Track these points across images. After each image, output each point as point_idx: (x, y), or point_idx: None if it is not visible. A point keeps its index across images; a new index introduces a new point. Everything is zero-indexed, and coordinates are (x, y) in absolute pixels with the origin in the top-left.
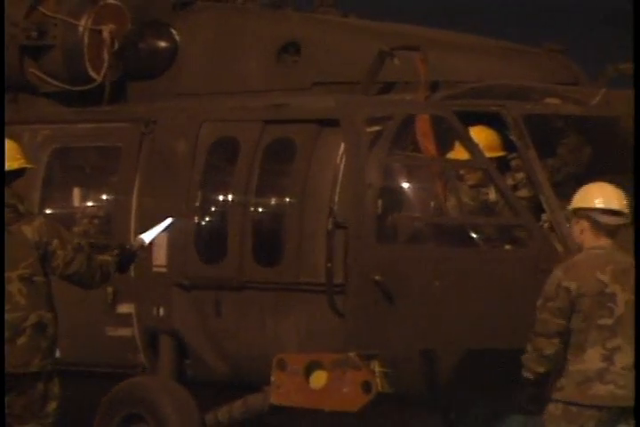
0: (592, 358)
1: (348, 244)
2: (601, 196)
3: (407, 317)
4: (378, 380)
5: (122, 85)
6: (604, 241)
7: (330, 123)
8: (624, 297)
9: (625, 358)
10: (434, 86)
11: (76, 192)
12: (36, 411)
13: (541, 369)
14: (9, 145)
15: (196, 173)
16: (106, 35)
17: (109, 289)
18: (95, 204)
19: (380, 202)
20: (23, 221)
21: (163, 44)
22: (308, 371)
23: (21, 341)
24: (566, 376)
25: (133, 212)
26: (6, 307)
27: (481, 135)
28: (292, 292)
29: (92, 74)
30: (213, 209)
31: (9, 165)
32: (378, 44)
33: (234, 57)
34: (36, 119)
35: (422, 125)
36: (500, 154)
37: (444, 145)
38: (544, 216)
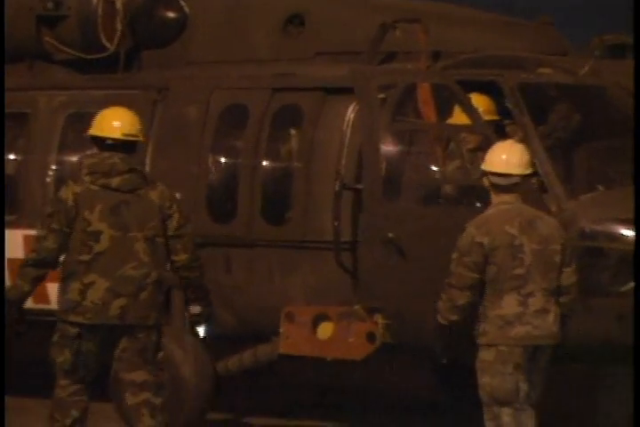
0: (509, 304)
1: (362, 203)
2: (495, 159)
3: (417, 272)
4: (381, 331)
5: (134, 54)
6: (506, 197)
7: (336, 91)
8: (531, 247)
9: (537, 302)
10: (434, 56)
11: None
12: (149, 359)
13: (454, 317)
14: (137, 118)
15: (207, 138)
16: (118, 5)
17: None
18: None
19: (390, 164)
20: (149, 186)
21: (172, 14)
22: (316, 323)
23: (143, 296)
24: (488, 322)
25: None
26: (132, 264)
27: (479, 101)
28: (299, 249)
29: (106, 43)
30: (224, 172)
31: (138, 136)
32: (379, 16)
33: (241, 28)
34: (51, 86)
35: (424, 93)
36: (496, 118)
37: (445, 111)
38: None
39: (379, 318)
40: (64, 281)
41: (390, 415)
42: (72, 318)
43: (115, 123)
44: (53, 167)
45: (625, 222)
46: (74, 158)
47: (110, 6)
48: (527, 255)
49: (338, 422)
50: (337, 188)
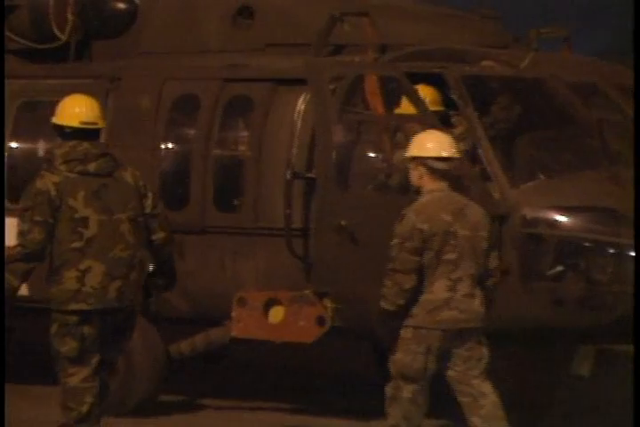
0: (440, 289)
1: (315, 192)
2: (433, 144)
3: (367, 259)
4: (330, 315)
5: (86, 44)
6: (441, 184)
7: (287, 82)
8: (462, 233)
9: (465, 288)
10: (381, 49)
11: (43, 142)
12: (122, 339)
13: (402, 301)
14: (98, 104)
15: (159, 127)
16: None
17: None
18: None
19: (341, 154)
20: (121, 168)
21: (123, 5)
22: (267, 307)
23: (133, 276)
24: (418, 305)
25: None
26: (120, 246)
27: (426, 92)
28: (250, 236)
29: (58, 33)
30: (176, 160)
31: (103, 123)
32: (327, 8)
33: (191, 19)
34: (5, 74)
35: (372, 84)
36: (442, 108)
37: (393, 102)
38: None
39: (328, 303)
40: (56, 272)
41: (343, 397)
42: (72, 306)
43: (72, 111)
44: (5, 155)
45: (565, 210)
46: (25, 146)
47: None
48: (459, 241)
49: (293, 403)
50: (288, 176)
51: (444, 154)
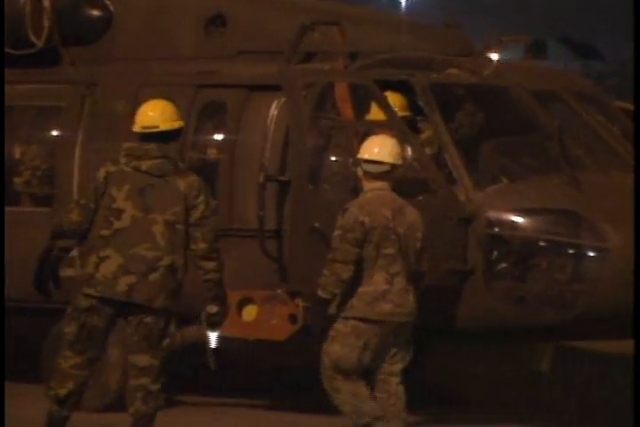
0: (378, 282)
1: (288, 194)
2: (367, 148)
3: None
4: (302, 313)
5: (62, 50)
6: (378, 184)
7: (260, 88)
8: (401, 231)
9: (401, 282)
10: (351, 57)
11: (19, 146)
12: (153, 344)
13: (337, 291)
14: (169, 107)
15: None
16: (46, 3)
17: None
18: (38, 157)
19: (314, 158)
20: (179, 174)
21: (97, 12)
22: (241, 305)
23: (153, 277)
24: (357, 297)
25: (76, 165)
26: (146, 245)
27: (393, 99)
28: (225, 237)
29: (34, 39)
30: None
31: (171, 124)
32: (298, 17)
33: (165, 27)
34: None
35: (343, 91)
36: (409, 114)
37: (363, 108)
38: None
39: (300, 302)
40: (85, 255)
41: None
42: (85, 289)
43: (137, 117)
44: None
45: (527, 212)
46: (5, 147)
47: (38, 4)
48: (397, 238)
49: (267, 400)
50: (261, 179)
51: (377, 158)
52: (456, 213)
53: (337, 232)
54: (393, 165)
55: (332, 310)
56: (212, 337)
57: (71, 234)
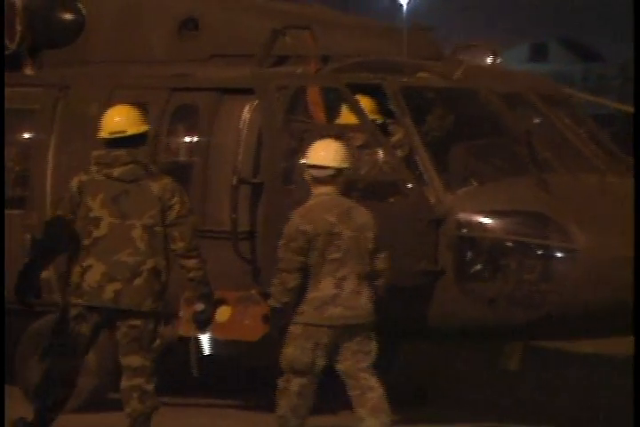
0: (326, 287)
1: (261, 197)
2: (313, 153)
3: None
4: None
5: (35, 53)
6: (324, 188)
7: (233, 91)
8: (348, 234)
9: (351, 285)
10: (323, 60)
11: None
12: (144, 345)
13: (286, 299)
14: (134, 111)
15: None
16: (18, 7)
17: (28, 236)
18: (11, 160)
19: (286, 160)
20: (152, 178)
21: (70, 15)
22: (214, 306)
23: (138, 282)
24: (306, 303)
25: (49, 167)
26: (128, 251)
27: (364, 102)
28: (198, 238)
29: (7, 42)
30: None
31: (137, 129)
32: (271, 21)
33: (137, 30)
34: None
35: (314, 95)
36: (379, 117)
37: (335, 112)
38: None
39: (270, 301)
40: (69, 265)
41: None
42: (73, 299)
43: (104, 123)
44: None
45: (496, 214)
46: None
47: (10, 7)
48: (344, 242)
49: (237, 400)
50: (234, 182)
51: (317, 162)
52: (427, 215)
53: (282, 241)
54: (338, 169)
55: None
56: (201, 336)
57: (51, 247)
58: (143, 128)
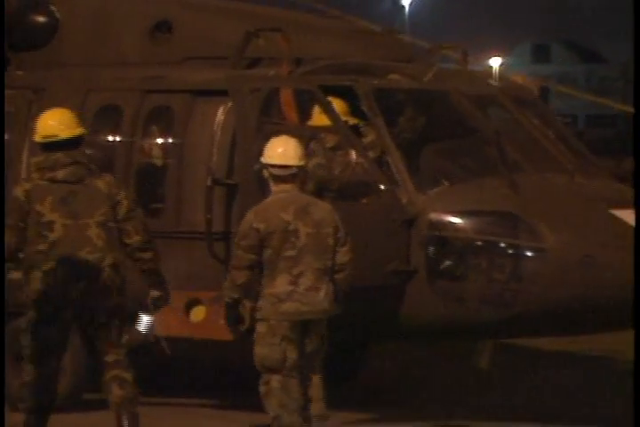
0: (281, 283)
1: (236, 197)
2: (273, 153)
3: None
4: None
5: (10, 56)
6: (283, 186)
7: (206, 93)
8: (305, 231)
9: (308, 281)
10: (296, 62)
11: None
12: (114, 343)
13: (235, 295)
14: (69, 114)
15: None
16: None
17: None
18: None
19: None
20: (94, 176)
21: (43, 19)
22: (189, 307)
23: (101, 279)
24: (263, 299)
25: (23, 170)
26: (87, 249)
27: (336, 104)
28: (172, 239)
29: None
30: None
31: (70, 133)
32: (244, 24)
33: (111, 32)
34: None
35: (287, 97)
36: (351, 119)
37: (308, 113)
38: None
39: (247, 302)
40: (26, 273)
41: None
42: (38, 303)
43: (37, 127)
44: None
45: (467, 214)
46: None
47: None
48: (301, 239)
49: (213, 399)
50: (209, 183)
51: (284, 162)
52: (399, 215)
53: (236, 239)
54: (299, 167)
55: (248, 302)
56: (153, 321)
57: (10, 257)
58: (77, 131)
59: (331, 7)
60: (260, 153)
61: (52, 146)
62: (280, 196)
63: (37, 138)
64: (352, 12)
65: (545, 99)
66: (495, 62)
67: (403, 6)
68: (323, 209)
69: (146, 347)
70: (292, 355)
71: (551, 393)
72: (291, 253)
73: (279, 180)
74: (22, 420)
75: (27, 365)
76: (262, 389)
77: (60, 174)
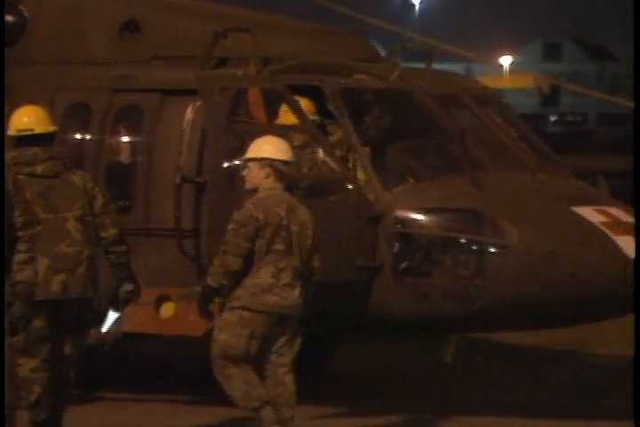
0: (265, 275)
1: (205, 195)
2: (280, 150)
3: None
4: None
5: None
6: (278, 184)
7: (175, 92)
8: (293, 229)
9: (287, 277)
10: (264, 62)
11: None
12: (76, 333)
13: (225, 281)
14: (43, 111)
15: None
16: None
17: None
18: None
19: (229, 159)
20: (70, 171)
21: (12, 18)
22: (158, 303)
23: (80, 271)
24: (243, 288)
25: None
26: (66, 242)
27: (303, 103)
28: (142, 236)
29: None
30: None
31: (45, 128)
32: (211, 24)
33: (80, 32)
34: None
35: (255, 96)
36: (317, 117)
37: (275, 112)
38: None
39: (217, 298)
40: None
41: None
42: (22, 297)
43: (11, 121)
44: None
45: (432, 211)
46: None
47: None
48: (289, 235)
49: (186, 395)
50: (178, 180)
51: (287, 158)
52: (366, 213)
53: (231, 226)
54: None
55: (218, 299)
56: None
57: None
58: (51, 128)
59: (341, 5)
60: (234, 151)
61: (27, 140)
62: (272, 192)
63: (12, 132)
64: (362, 11)
65: (556, 97)
66: (506, 61)
67: (413, 5)
68: (306, 212)
69: (99, 347)
70: (255, 350)
71: (530, 388)
72: (280, 246)
73: (279, 176)
74: (28, 417)
75: (19, 359)
76: (221, 375)
77: (39, 169)
